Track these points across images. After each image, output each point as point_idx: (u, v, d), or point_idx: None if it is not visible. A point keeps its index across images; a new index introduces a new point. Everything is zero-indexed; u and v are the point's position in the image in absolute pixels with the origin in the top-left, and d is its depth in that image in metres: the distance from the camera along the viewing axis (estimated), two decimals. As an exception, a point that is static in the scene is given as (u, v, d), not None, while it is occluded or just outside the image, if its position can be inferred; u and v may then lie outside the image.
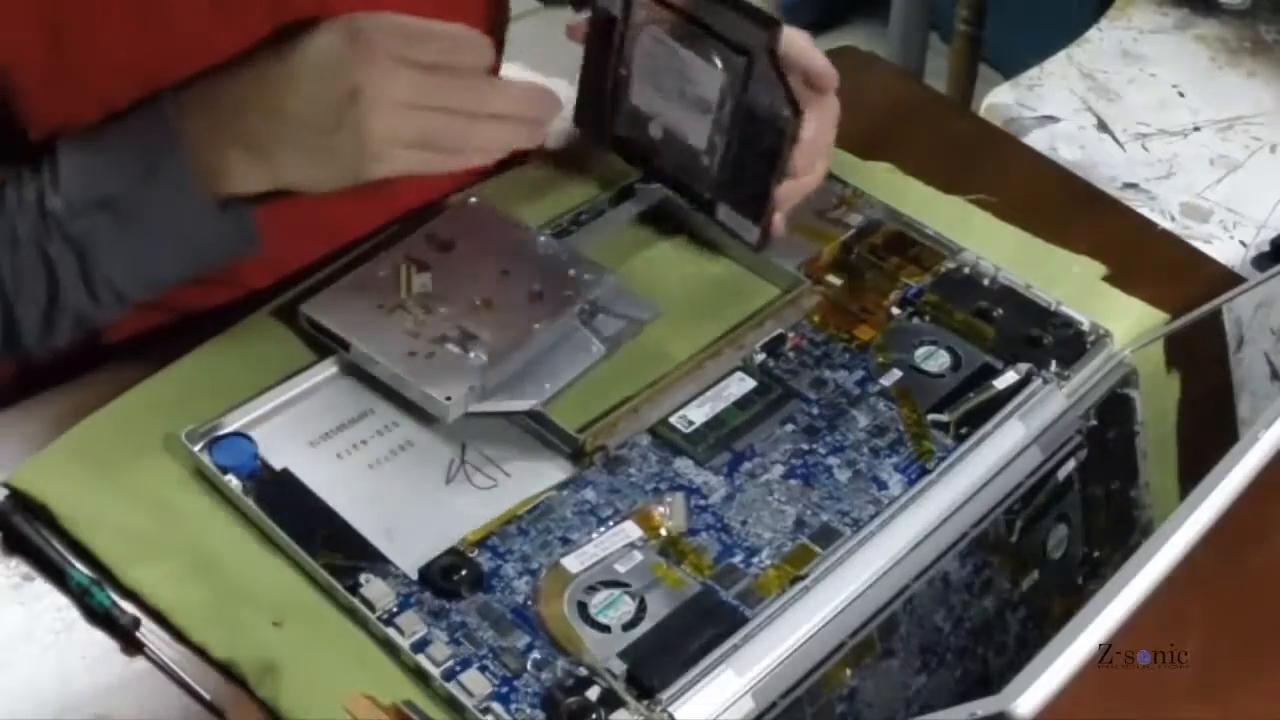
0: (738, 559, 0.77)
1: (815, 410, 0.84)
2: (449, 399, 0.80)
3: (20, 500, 0.78)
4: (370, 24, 0.76)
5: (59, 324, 0.82)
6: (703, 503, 0.79)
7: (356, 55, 0.76)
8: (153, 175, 0.78)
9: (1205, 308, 0.88)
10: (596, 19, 0.91)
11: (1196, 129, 1.59)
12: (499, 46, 1.06)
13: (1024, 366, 0.86)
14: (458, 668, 0.71)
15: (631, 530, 0.78)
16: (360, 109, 0.75)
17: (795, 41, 0.88)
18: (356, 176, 0.78)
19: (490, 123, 0.79)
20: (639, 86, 0.91)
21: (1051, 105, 1.62)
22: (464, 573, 0.75)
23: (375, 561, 0.75)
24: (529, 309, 0.85)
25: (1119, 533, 0.91)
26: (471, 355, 0.82)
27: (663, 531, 0.78)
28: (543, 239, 0.91)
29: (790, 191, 0.90)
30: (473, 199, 0.93)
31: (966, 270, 0.93)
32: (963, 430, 0.83)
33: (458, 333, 0.83)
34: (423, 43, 0.77)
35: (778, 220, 0.91)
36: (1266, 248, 1.43)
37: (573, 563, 0.76)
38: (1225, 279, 0.99)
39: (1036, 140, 1.54)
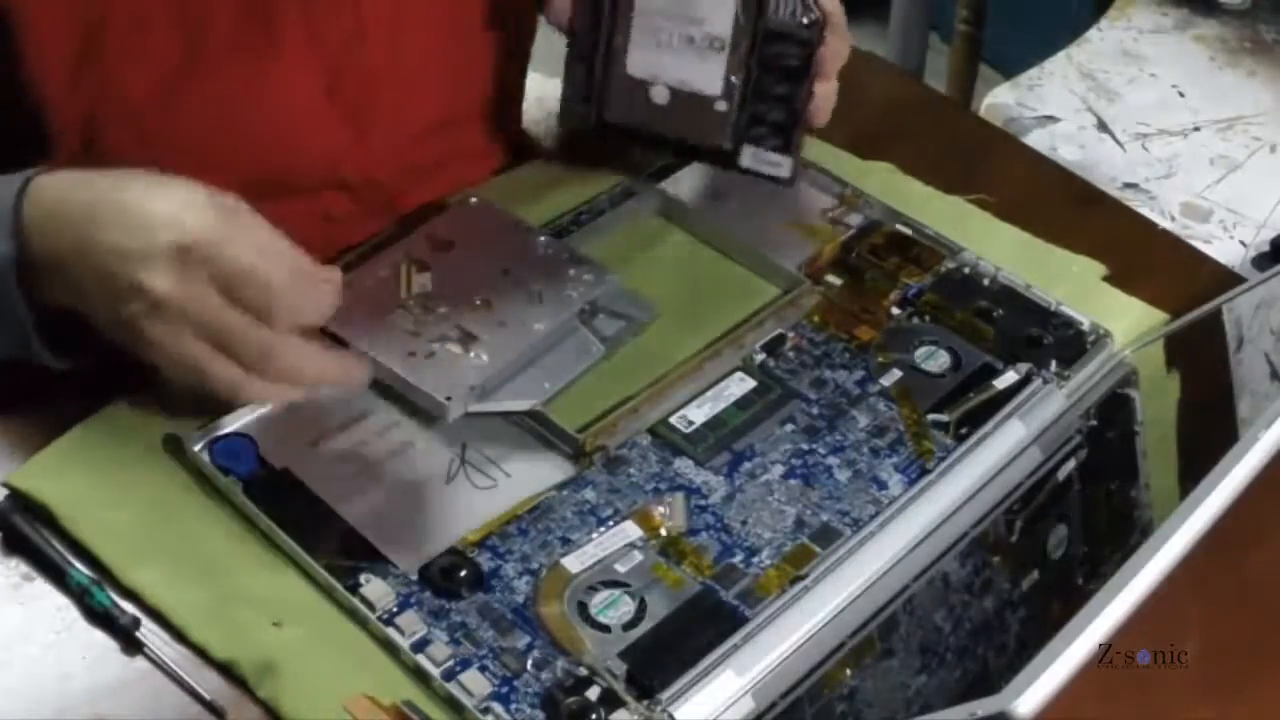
0: (738, 559, 0.77)
1: (815, 410, 0.84)
2: (449, 399, 0.80)
3: (20, 500, 0.78)
4: (210, 238, 0.72)
5: None
6: (703, 503, 0.79)
7: (171, 256, 0.71)
8: None
9: (1205, 308, 0.88)
10: None
11: (1196, 129, 1.59)
12: (523, 59, 1.06)
13: (1024, 366, 0.86)
14: (458, 668, 0.71)
15: (631, 530, 0.78)
16: (141, 306, 0.72)
17: None
18: (135, 350, 0.74)
19: (263, 380, 0.74)
20: (637, 52, 0.88)
21: (1051, 105, 1.61)
22: (464, 573, 0.75)
23: (375, 561, 0.75)
24: (529, 309, 0.85)
25: (1119, 533, 0.91)
26: (471, 355, 0.82)
27: (663, 531, 0.78)
28: (543, 239, 0.90)
29: (823, 101, 0.89)
30: (473, 199, 0.93)
31: (966, 270, 0.93)
32: (963, 430, 0.83)
33: (458, 333, 0.83)
34: (244, 285, 0.72)
35: (817, 115, 0.89)
36: (1266, 248, 1.43)
37: (573, 563, 0.76)
38: (1225, 279, 0.99)
39: (1036, 140, 1.54)
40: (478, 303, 0.85)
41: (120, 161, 0.85)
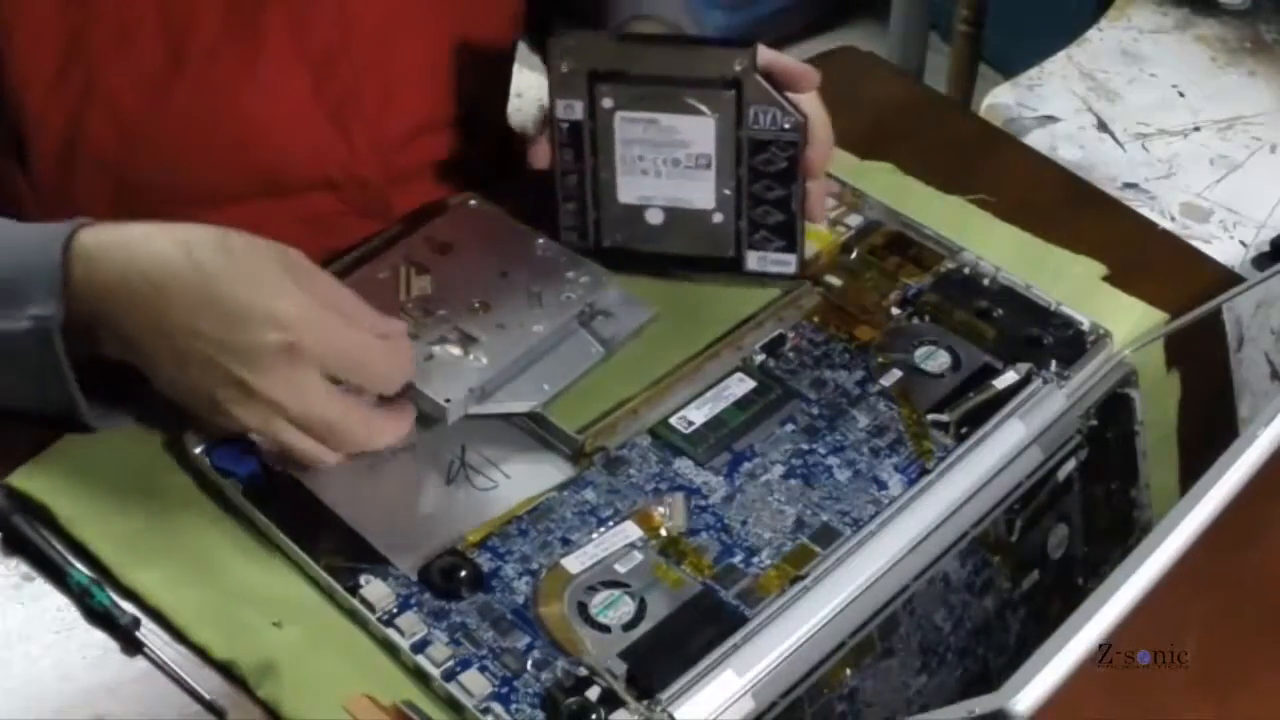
0: (738, 559, 0.77)
1: (815, 410, 0.84)
2: (448, 401, 0.80)
3: (20, 500, 0.78)
4: (314, 334, 0.73)
5: None
6: (703, 503, 0.79)
7: (278, 355, 0.72)
8: (18, 309, 0.74)
9: (1205, 308, 0.88)
10: (560, 135, 0.88)
11: (1196, 129, 1.59)
12: (508, 59, 1.06)
13: (1024, 366, 0.86)
14: (458, 668, 0.71)
15: (631, 530, 0.78)
16: (237, 394, 0.73)
17: (763, 53, 0.87)
18: (206, 418, 0.77)
19: (324, 451, 0.77)
20: (625, 181, 0.89)
21: (1051, 105, 1.61)
22: (464, 573, 0.75)
23: (375, 562, 0.75)
24: (528, 311, 0.85)
25: (1119, 533, 0.92)
26: (471, 357, 0.82)
27: (663, 532, 0.78)
28: (541, 241, 0.90)
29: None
30: (472, 200, 0.93)
31: (966, 270, 0.93)
32: (963, 430, 0.83)
33: (457, 335, 0.83)
34: (347, 371, 0.75)
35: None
36: (1266, 248, 1.43)
37: (573, 563, 0.76)
38: (1225, 279, 0.99)
39: (1036, 140, 1.54)
40: (476, 305, 0.85)
41: (103, 156, 0.85)
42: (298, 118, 0.91)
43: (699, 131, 0.86)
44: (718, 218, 0.89)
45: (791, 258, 0.90)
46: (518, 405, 0.82)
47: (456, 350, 0.82)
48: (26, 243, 0.77)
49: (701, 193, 0.88)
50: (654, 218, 0.90)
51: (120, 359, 0.77)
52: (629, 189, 0.89)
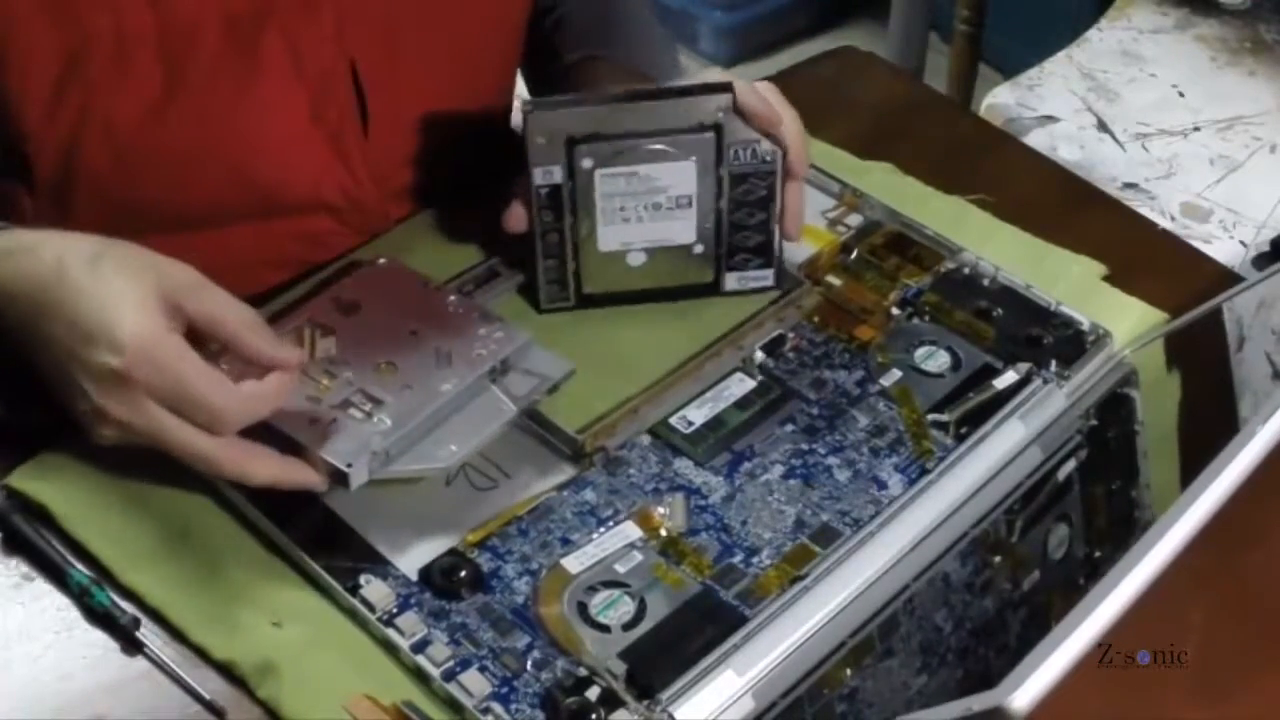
0: (738, 559, 0.77)
1: (815, 410, 0.84)
2: (350, 466, 0.77)
3: (20, 500, 0.78)
4: (143, 373, 0.72)
5: None
6: (703, 503, 0.79)
7: (107, 378, 0.73)
8: None
9: (1205, 307, 0.88)
10: (539, 199, 0.86)
11: (1196, 129, 1.59)
12: (510, 83, 1.05)
13: (1024, 366, 0.86)
14: (458, 668, 0.71)
15: (631, 530, 0.78)
16: (89, 410, 0.74)
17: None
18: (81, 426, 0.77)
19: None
20: (605, 231, 0.88)
21: (1051, 105, 1.62)
22: (464, 573, 0.75)
23: (375, 562, 0.76)
24: (435, 371, 0.82)
25: (1120, 533, 0.91)
26: (375, 420, 0.79)
27: (663, 532, 0.78)
28: (453, 298, 0.87)
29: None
30: (382, 259, 0.90)
31: (966, 270, 0.93)
32: (963, 430, 0.83)
33: (361, 397, 0.80)
34: (185, 407, 0.73)
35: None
36: (1266, 248, 1.43)
37: (573, 563, 0.76)
38: (1225, 279, 0.99)
39: (1036, 140, 1.54)
40: (382, 365, 0.82)
41: (100, 182, 0.85)
42: (295, 142, 0.90)
43: (679, 175, 0.86)
44: (699, 249, 0.89)
45: (768, 272, 0.91)
46: (424, 468, 0.79)
47: (360, 413, 0.79)
48: None
49: (683, 230, 0.88)
50: (635, 260, 0.89)
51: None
52: (610, 238, 0.88)
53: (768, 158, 0.86)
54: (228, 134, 0.87)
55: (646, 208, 0.87)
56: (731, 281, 0.91)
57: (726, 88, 0.85)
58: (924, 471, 0.81)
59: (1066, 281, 0.93)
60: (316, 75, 0.89)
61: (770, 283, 0.91)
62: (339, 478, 0.77)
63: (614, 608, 0.74)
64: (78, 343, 0.73)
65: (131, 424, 0.74)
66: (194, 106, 0.85)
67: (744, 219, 0.88)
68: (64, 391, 0.76)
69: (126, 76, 0.83)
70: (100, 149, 0.85)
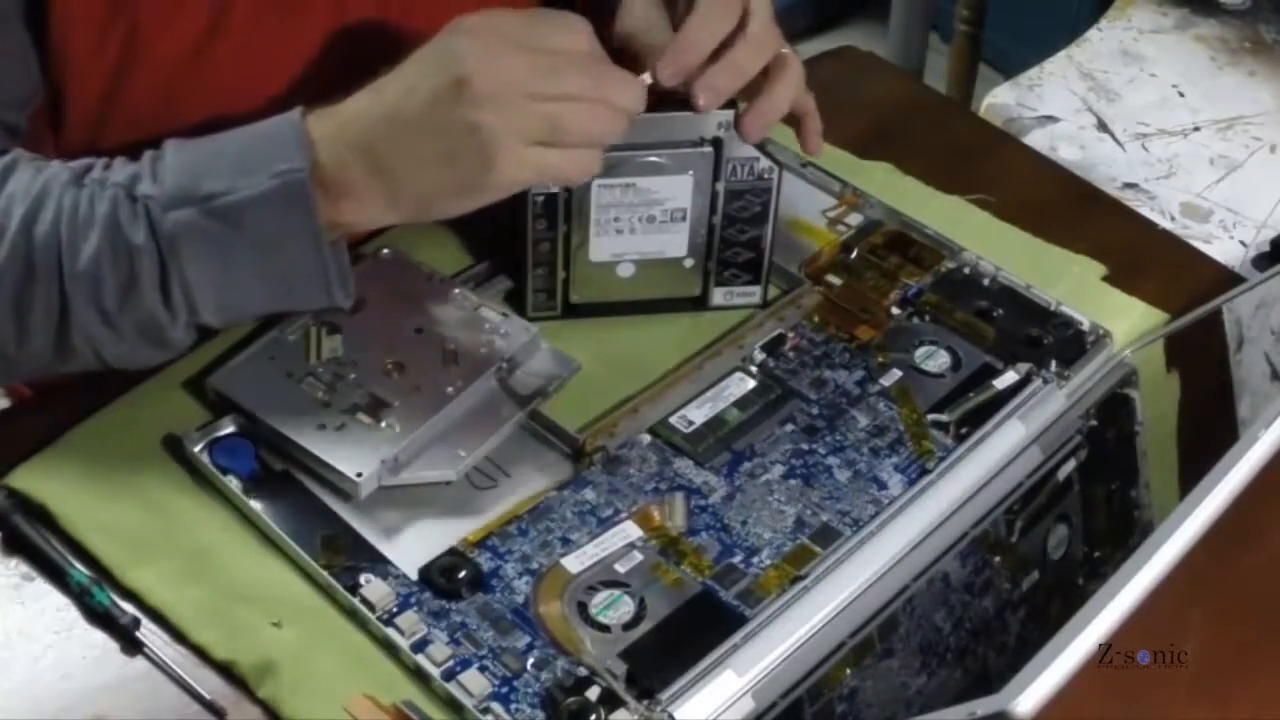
0: (738, 559, 0.77)
1: (815, 410, 0.84)
2: (360, 475, 0.77)
3: (20, 500, 0.78)
4: (475, 18, 0.75)
5: (121, 326, 0.76)
6: (703, 503, 0.79)
7: (459, 44, 0.73)
8: (261, 173, 0.74)
9: (1205, 308, 0.88)
10: (534, 208, 0.85)
11: (1196, 129, 1.59)
12: None
13: (1024, 366, 0.86)
14: (458, 668, 0.71)
15: (631, 530, 0.78)
16: (471, 101, 0.72)
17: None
18: (479, 188, 0.74)
19: (607, 109, 0.75)
20: (598, 241, 0.87)
21: (1051, 105, 1.61)
22: (464, 573, 0.75)
23: (375, 562, 0.75)
24: (442, 371, 0.82)
25: (1119, 533, 0.92)
26: (383, 425, 0.79)
27: (663, 532, 0.78)
28: (457, 291, 0.87)
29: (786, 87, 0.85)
30: (385, 250, 0.89)
31: (966, 270, 0.93)
32: (963, 430, 0.83)
33: (369, 401, 0.80)
34: (530, 28, 0.74)
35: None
36: (1266, 248, 1.43)
37: (573, 563, 0.76)
38: (1225, 279, 0.99)
39: (1036, 140, 1.54)
40: (389, 366, 0.82)
41: (140, 116, 0.85)
42: (335, 86, 0.90)
43: (676, 188, 0.86)
44: (689, 262, 0.89)
45: (756, 289, 0.91)
46: (433, 474, 0.79)
47: (368, 418, 0.79)
48: (257, 125, 0.77)
49: (675, 243, 0.88)
50: (625, 271, 0.89)
51: (353, 222, 0.76)
52: (601, 249, 0.88)
53: (765, 175, 0.86)
54: (271, 68, 0.87)
55: (641, 220, 0.87)
56: (719, 297, 0.91)
57: (731, 105, 0.85)
58: (924, 472, 0.81)
59: (1066, 281, 0.94)
60: (357, 19, 0.89)
61: (757, 300, 0.91)
62: (349, 488, 0.77)
63: (614, 608, 0.74)
64: (440, 88, 0.73)
65: (506, 78, 0.72)
66: (238, 45, 0.85)
67: (736, 235, 0.88)
68: (438, 146, 0.73)
69: (174, 14, 0.83)
70: (145, 82, 0.84)
